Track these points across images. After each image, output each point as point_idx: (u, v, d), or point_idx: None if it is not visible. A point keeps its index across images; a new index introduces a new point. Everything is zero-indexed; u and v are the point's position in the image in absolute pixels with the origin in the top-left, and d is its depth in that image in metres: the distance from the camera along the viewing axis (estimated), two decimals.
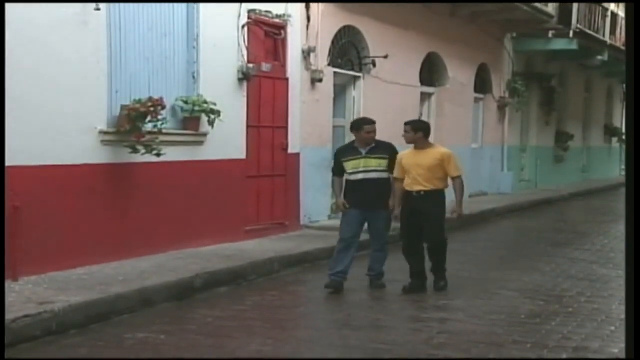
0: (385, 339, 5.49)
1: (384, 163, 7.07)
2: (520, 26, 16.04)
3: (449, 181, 7.15)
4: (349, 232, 7.06)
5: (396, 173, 7.02)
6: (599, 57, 18.40)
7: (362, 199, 6.99)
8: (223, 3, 8.60)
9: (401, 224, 7.08)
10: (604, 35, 18.45)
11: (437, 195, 6.98)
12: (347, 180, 7.18)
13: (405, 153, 7.09)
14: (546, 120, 18.84)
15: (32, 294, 5.90)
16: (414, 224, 6.96)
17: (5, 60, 5.96)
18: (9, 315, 5.19)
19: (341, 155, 7.26)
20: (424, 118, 14.02)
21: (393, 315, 6.29)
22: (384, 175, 7.08)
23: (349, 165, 7.09)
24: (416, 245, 7.02)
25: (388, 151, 7.14)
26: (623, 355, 4.97)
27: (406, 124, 7.19)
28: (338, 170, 7.24)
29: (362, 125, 7.16)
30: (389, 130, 11.93)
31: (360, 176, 7.03)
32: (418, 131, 7.07)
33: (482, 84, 15.77)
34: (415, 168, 6.92)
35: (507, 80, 16.47)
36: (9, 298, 5.73)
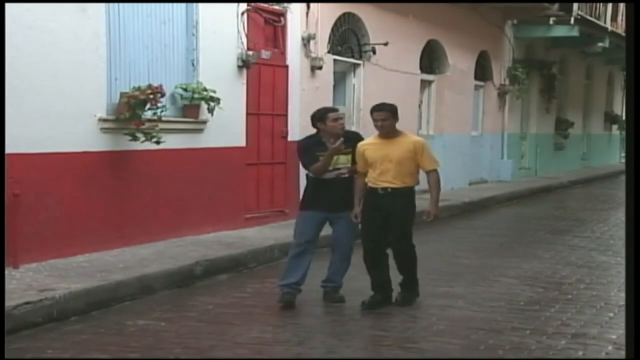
0: (384, 326, 5.51)
1: (352, 157, 6.01)
2: (520, 13, 15.99)
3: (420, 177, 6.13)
4: (305, 235, 6.01)
5: (359, 166, 5.95)
6: (600, 44, 18.35)
7: (328, 200, 5.96)
8: (223, 3, 8.56)
9: (362, 227, 5.99)
10: (605, 22, 18.38)
11: (407, 194, 5.91)
12: (311, 178, 6.10)
13: (368, 143, 5.96)
14: (546, 107, 18.82)
15: (32, 281, 5.92)
16: (377, 227, 5.88)
17: (5, 60, 5.93)
18: (10, 302, 5.22)
19: (311, 148, 6.03)
20: (424, 105, 14.08)
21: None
22: (352, 172, 6.05)
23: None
24: (380, 252, 5.97)
25: (353, 142, 6.02)
26: (621, 341, 4.99)
27: (377, 110, 5.89)
28: (312, 159, 6.02)
29: (325, 114, 5.99)
30: None
31: (328, 175, 5.96)
32: (396, 116, 5.90)
33: (482, 71, 15.73)
34: (382, 161, 5.82)
35: (508, 68, 16.44)
36: (10, 285, 5.76)
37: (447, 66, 14.14)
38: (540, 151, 18.61)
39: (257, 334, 5.25)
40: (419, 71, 13.24)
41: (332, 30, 10.75)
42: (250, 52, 8.87)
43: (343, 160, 5.99)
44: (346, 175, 6.01)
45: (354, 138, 6.10)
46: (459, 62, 14.45)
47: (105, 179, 7.28)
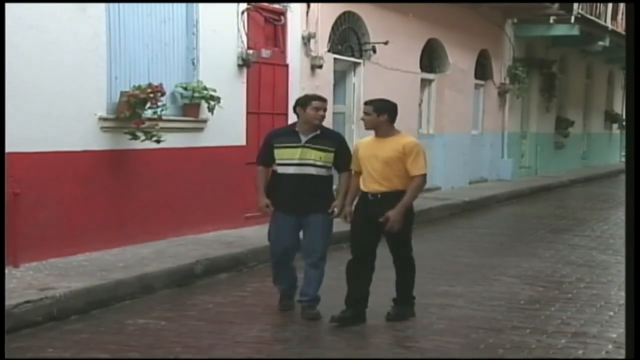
0: (384, 324, 5.50)
1: (326, 157, 5.47)
2: (521, 12, 15.98)
3: None
4: (280, 244, 5.58)
5: (353, 165, 5.57)
6: (600, 43, 18.34)
7: (292, 200, 5.46)
8: (223, 3, 8.55)
9: (351, 232, 5.55)
10: (605, 21, 18.38)
11: (396, 198, 5.33)
12: (274, 174, 5.60)
13: (364, 141, 5.62)
14: (546, 106, 18.81)
15: (33, 280, 5.92)
16: (366, 235, 5.40)
17: (5, 60, 5.92)
18: (10, 301, 5.22)
19: (275, 138, 5.61)
20: (424, 104, 14.07)
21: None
22: (324, 172, 5.51)
23: (282, 154, 5.50)
24: (365, 262, 5.45)
25: (335, 142, 5.56)
26: (622, 340, 4.99)
27: (366, 103, 5.59)
28: (266, 158, 5.61)
29: (310, 100, 5.52)
30: None
31: (291, 170, 5.46)
32: (382, 113, 5.42)
33: (482, 70, 15.73)
34: (370, 161, 5.39)
35: (508, 67, 16.44)
36: (10, 284, 5.76)
37: (448, 65, 14.14)
38: (541, 150, 18.61)
39: (257, 333, 5.25)
40: (419, 70, 13.23)
41: (332, 29, 10.75)
42: (251, 51, 8.87)
43: (313, 156, 5.44)
44: (314, 173, 5.45)
45: (335, 138, 5.64)
46: (459, 61, 14.45)
47: (106, 178, 7.28)
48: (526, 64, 16.92)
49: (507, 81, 16.41)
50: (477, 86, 15.59)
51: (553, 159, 19.29)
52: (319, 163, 5.47)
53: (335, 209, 5.51)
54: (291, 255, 5.66)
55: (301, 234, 5.63)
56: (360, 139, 5.89)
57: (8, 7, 6.05)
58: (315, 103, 5.49)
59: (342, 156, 5.56)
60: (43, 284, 5.77)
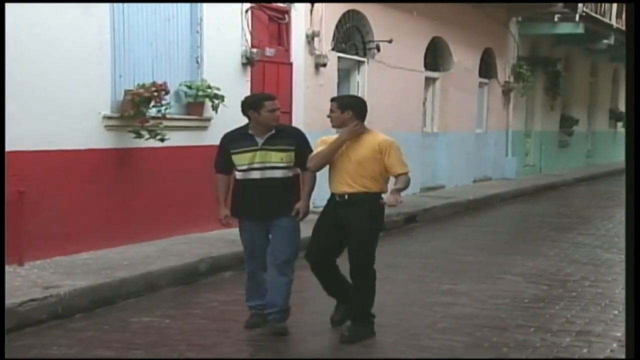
0: (389, 322, 5.50)
1: (288, 157, 5.09)
2: (525, 10, 15.95)
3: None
4: (255, 251, 5.23)
5: (314, 162, 5.06)
6: (605, 41, 18.31)
7: (258, 207, 5.09)
8: (227, 3, 8.55)
9: (312, 233, 5.15)
10: (610, 19, 18.34)
11: (368, 203, 4.94)
12: (237, 181, 5.21)
13: (330, 139, 5.10)
14: (551, 104, 18.78)
15: (37, 278, 5.94)
16: (327, 238, 5.02)
17: (5, 60, 5.92)
18: (15, 299, 5.24)
19: (229, 143, 5.18)
20: (429, 103, 14.05)
21: (397, 299, 6.30)
22: (289, 173, 5.12)
23: (240, 159, 5.11)
24: (324, 264, 5.11)
25: (294, 139, 5.18)
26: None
27: (331, 100, 5.20)
28: (224, 164, 5.24)
29: (262, 101, 5.08)
30: (392, 115, 11.96)
31: (255, 174, 5.08)
32: (346, 109, 5.01)
33: (486, 69, 15.71)
34: (341, 160, 4.98)
35: (512, 65, 16.42)
36: (15, 282, 5.78)
37: (452, 63, 14.12)
38: (545, 149, 18.58)
39: (261, 331, 5.24)
40: (423, 68, 13.22)
41: (337, 27, 10.74)
42: (255, 50, 8.87)
43: (273, 158, 5.06)
44: (278, 176, 5.08)
45: (293, 134, 5.23)
46: (464, 60, 14.43)
47: (110, 177, 7.29)
48: (530, 62, 16.90)
49: (512, 79, 16.39)
50: (481, 84, 15.57)
51: (557, 158, 19.26)
52: (281, 164, 5.06)
53: (300, 211, 5.13)
54: (262, 264, 5.23)
55: None
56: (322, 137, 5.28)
57: (12, 5, 6.06)
58: (268, 104, 5.06)
59: (304, 153, 5.13)
60: (48, 282, 5.79)
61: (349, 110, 5.04)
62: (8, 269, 6.17)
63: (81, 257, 6.77)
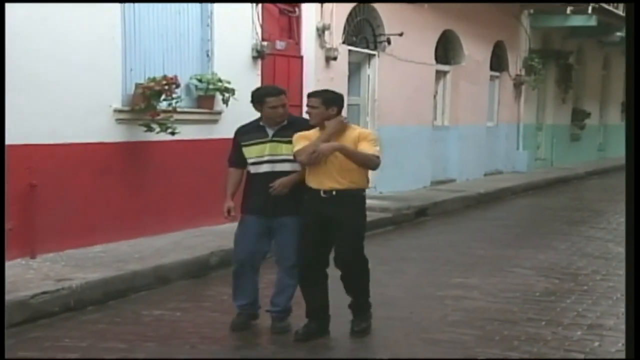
0: (399, 315, 5.51)
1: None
2: (537, 2, 15.85)
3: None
4: (244, 249, 5.05)
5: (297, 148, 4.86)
6: (618, 34, 18.17)
7: (264, 202, 4.94)
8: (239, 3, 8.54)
9: (300, 238, 4.94)
10: (623, 11, 18.20)
11: (356, 199, 4.89)
12: (248, 174, 5.12)
13: (309, 133, 4.90)
14: (563, 98, 18.68)
15: (49, 271, 5.97)
16: (316, 239, 4.85)
17: (5, 58, 5.92)
18: (27, 292, 5.28)
19: (241, 135, 5.11)
20: (439, 96, 14.02)
21: (408, 292, 6.30)
22: (298, 167, 4.94)
23: (250, 152, 5.02)
24: (316, 270, 4.93)
25: (302, 130, 4.99)
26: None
27: (311, 95, 4.96)
28: (235, 158, 5.16)
29: (264, 97, 4.97)
30: (403, 109, 11.94)
31: (263, 168, 4.98)
32: (331, 106, 4.86)
33: (498, 62, 15.64)
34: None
35: (524, 58, 16.33)
36: (27, 275, 5.82)
37: (463, 56, 14.07)
38: (556, 142, 18.50)
39: (272, 324, 5.25)
40: (434, 62, 13.18)
41: (347, 20, 10.72)
42: (265, 43, 8.87)
43: (284, 150, 4.94)
44: (289, 170, 4.94)
45: (302, 126, 4.99)
46: (475, 53, 14.37)
47: (121, 170, 7.32)
48: (542, 55, 16.80)
49: (523, 72, 16.31)
50: (492, 78, 15.51)
51: (569, 151, 19.18)
52: (292, 157, 4.89)
53: (278, 183, 4.94)
54: (256, 264, 5.09)
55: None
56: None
57: None
58: (270, 101, 4.93)
59: None
60: (60, 275, 5.82)
61: (334, 106, 4.88)
62: (20, 261, 6.23)
63: (93, 250, 6.80)
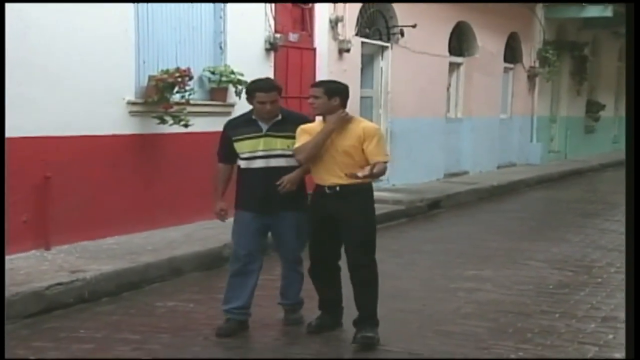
0: (413, 308, 5.51)
1: (294, 144, 4.72)
2: None
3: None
4: (243, 246, 4.90)
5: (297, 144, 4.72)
6: None
7: (260, 198, 4.80)
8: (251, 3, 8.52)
9: (309, 234, 4.88)
10: None
11: (362, 194, 4.70)
12: (240, 169, 4.93)
13: (311, 126, 4.77)
14: (577, 89, 18.56)
15: (64, 263, 6.01)
16: (326, 235, 4.74)
17: (5, 58, 5.93)
18: (42, 283, 5.32)
19: (232, 130, 4.87)
20: (453, 88, 13.96)
21: (422, 284, 6.29)
22: (295, 162, 4.75)
23: (242, 147, 4.81)
24: (329, 266, 4.85)
25: (297, 126, 4.79)
26: None
27: (314, 85, 4.81)
28: (225, 153, 4.93)
29: (254, 91, 4.76)
30: (416, 101, 11.90)
31: (258, 163, 4.79)
32: (333, 96, 4.67)
33: (512, 54, 15.56)
34: (327, 151, 4.65)
35: (538, 49, 16.23)
36: (42, 266, 5.87)
37: (476, 48, 14.00)
38: (571, 134, 18.39)
39: (284, 315, 5.26)
40: (447, 53, 13.12)
41: (360, 12, 10.69)
42: (278, 35, 8.86)
43: (279, 145, 4.77)
44: (284, 165, 4.78)
45: (298, 121, 4.83)
46: (488, 44, 14.29)
47: (134, 162, 7.34)
48: (557, 46, 16.69)
49: (537, 64, 16.21)
50: (506, 69, 15.43)
51: (583, 143, 19.06)
52: (288, 152, 4.73)
53: (286, 180, 4.78)
54: (255, 258, 4.93)
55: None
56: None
57: None
58: (259, 96, 4.71)
59: None
60: (74, 267, 5.86)
61: (337, 97, 4.67)
62: (35, 253, 6.27)
63: (107, 242, 6.84)
